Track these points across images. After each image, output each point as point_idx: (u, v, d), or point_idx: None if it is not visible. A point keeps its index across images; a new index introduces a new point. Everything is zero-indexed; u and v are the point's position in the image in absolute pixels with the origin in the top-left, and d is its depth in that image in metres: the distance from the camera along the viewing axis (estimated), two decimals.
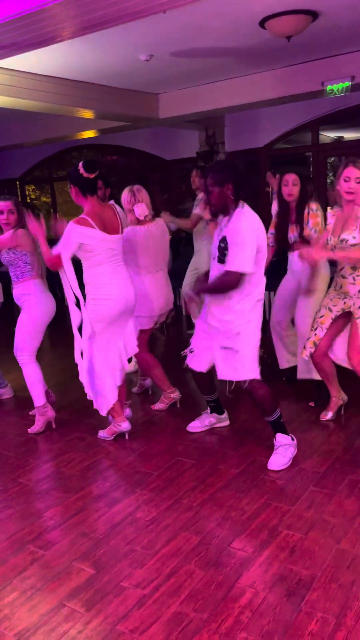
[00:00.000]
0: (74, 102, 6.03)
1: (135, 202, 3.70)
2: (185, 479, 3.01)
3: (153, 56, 5.14)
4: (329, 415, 3.68)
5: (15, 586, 2.26)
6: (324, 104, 6.78)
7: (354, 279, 3.30)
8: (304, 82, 5.79)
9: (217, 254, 3.02)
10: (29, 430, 3.79)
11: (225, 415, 3.70)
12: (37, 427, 3.78)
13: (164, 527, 2.58)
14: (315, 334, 3.47)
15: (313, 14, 4.24)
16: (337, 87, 5.50)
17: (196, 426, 3.63)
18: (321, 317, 3.46)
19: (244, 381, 3.06)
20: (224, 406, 3.73)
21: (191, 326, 6.08)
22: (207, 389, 3.54)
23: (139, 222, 3.72)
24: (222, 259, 2.98)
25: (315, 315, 3.54)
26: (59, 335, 4.75)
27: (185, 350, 3.39)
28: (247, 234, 2.89)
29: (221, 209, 2.99)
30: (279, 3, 4.01)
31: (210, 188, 2.95)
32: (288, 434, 3.17)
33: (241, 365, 3.03)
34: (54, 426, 3.83)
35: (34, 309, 3.67)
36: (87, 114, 6.51)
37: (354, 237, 3.20)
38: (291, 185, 3.80)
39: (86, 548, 2.47)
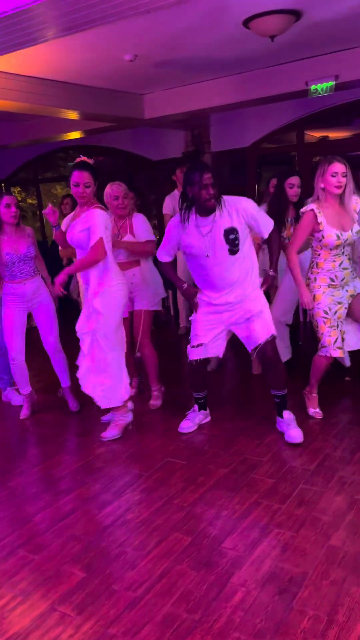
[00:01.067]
0: (59, 103, 6.00)
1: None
2: (175, 480, 3.01)
3: (137, 56, 5.13)
4: (319, 412, 3.70)
5: (5, 591, 2.23)
6: (309, 103, 6.81)
7: (352, 267, 3.53)
8: (289, 82, 5.81)
9: (228, 247, 3.20)
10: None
11: (208, 411, 3.78)
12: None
13: (155, 528, 2.57)
14: (341, 330, 3.49)
15: (296, 14, 4.26)
16: (321, 86, 5.52)
17: (188, 426, 3.64)
18: (336, 312, 3.47)
19: (272, 337, 3.33)
20: (218, 404, 3.73)
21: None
22: (202, 385, 3.66)
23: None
24: (234, 249, 3.21)
25: (325, 317, 3.46)
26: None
27: (190, 353, 3.52)
28: (253, 203, 3.26)
29: (213, 205, 3.16)
30: (262, 3, 4.02)
31: (213, 184, 3.12)
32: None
33: (268, 322, 3.34)
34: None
35: (50, 297, 4.02)
36: (72, 115, 6.48)
37: (357, 233, 3.41)
38: (297, 187, 4.04)
39: (77, 551, 2.45)
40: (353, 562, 2.25)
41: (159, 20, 4.20)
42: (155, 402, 4.08)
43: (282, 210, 4.04)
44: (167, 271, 3.58)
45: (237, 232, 3.18)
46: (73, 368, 3.76)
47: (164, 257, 3.50)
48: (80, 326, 3.48)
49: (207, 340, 3.46)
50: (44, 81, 5.74)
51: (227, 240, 3.18)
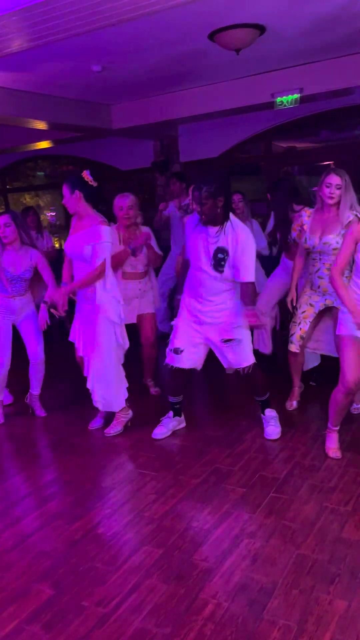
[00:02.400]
0: (26, 113, 5.96)
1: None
2: (146, 492, 2.99)
3: (105, 67, 5.15)
4: (294, 404, 3.99)
5: None
6: (276, 114, 6.92)
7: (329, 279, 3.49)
8: (255, 94, 5.89)
9: (213, 262, 3.27)
10: None
11: (182, 417, 3.82)
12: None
13: (125, 542, 2.55)
14: (301, 328, 3.76)
15: (260, 28, 4.33)
16: (286, 99, 5.62)
17: (161, 432, 3.67)
18: (304, 312, 3.74)
19: (247, 367, 3.41)
20: (188, 414, 3.73)
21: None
22: (179, 390, 3.70)
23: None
24: (219, 269, 3.26)
25: (295, 312, 3.79)
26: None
27: (168, 356, 3.57)
28: (252, 245, 3.25)
29: (212, 220, 3.22)
30: (226, 17, 4.08)
31: (204, 200, 3.16)
32: (273, 408, 3.60)
33: (245, 353, 3.40)
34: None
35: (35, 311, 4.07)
36: (40, 125, 6.44)
37: (337, 242, 3.44)
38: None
39: (45, 568, 2.41)
40: (322, 570, 2.27)
41: (127, 31, 4.22)
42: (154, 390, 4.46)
43: (287, 215, 4.06)
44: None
45: (226, 254, 3.23)
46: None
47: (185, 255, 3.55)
48: (76, 336, 3.67)
49: (183, 346, 3.48)
50: (11, 91, 5.70)
51: (215, 257, 3.26)
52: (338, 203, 3.46)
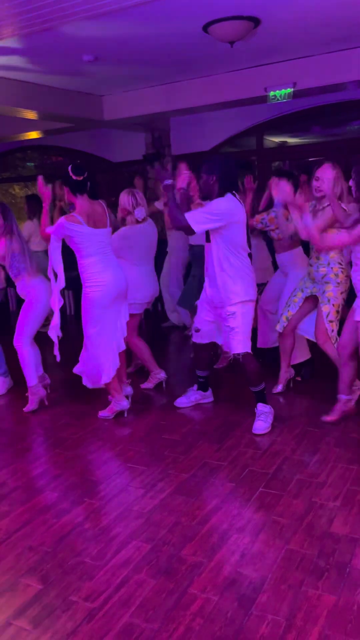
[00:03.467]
0: (16, 102, 5.89)
1: (137, 205, 4.11)
2: (135, 486, 2.97)
3: (97, 57, 5.09)
4: (279, 388, 4.15)
5: None
6: (268, 109, 6.90)
7: (317, 267, 3.72)
8: (248, 88, 5.87)
9: (205, 233, 3.51)
10: (25, 409, 4.09)
11: (209, 392, 4.07)
12: (31, 405, 4.10)
13: (114, 537, 2.53)
14: (289, 311, 3.95)
15: (255, 21, 4.31)
16: (279, 93, 5.60)
17: (182, 402, 3.98)
18: (294, 296, 3.94)
19: (240, 355, 3.51)
20: (176, 410, 3.71)
21: (165, 319, 6.58)
22: (205, 364, 3.96)
23: (137, 222, 4.15)
24: (207, 238, 3.49)
25: (290, 294, 3.99)
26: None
27: (188, 331, 3.92)
28: (214, 204, 3.36)
29: (207, 195, 3.46)
30: (221, 9, 4.05)
31: (202, 174, 3.42)
32: (267, 404, 3.63)
33: (237, 341, 3.49)
34: (46, 403, 4.19)
35: (36, 300, 4.01)
36: (30, 114, 6.37)
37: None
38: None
39: (33, 562, 2.39)
40: (310, 565, 2.27)
41: (119, 22, 4.17)
42: (146, 384, 4.45)
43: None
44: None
45: None
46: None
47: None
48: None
49: (201, 326, 3.77)
50: (1, 80, 5.62)
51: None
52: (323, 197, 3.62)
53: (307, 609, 2.03)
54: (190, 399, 4.00)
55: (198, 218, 3.31)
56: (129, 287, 3.84)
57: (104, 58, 5.14)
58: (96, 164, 8.82)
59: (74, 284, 4.84)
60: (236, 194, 3.42)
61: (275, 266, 4.66)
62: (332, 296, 3.68)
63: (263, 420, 3.57)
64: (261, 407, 3.62)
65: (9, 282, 4.84)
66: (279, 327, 4.02)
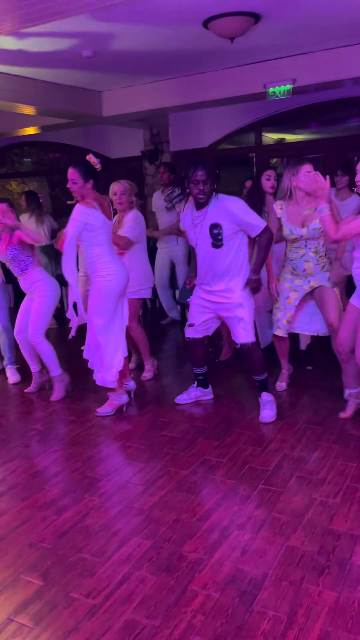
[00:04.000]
0: (14, 98, 5.85)
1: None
2: (135, 483, 2.97)
3: (96, 53, 5.06)
4: (283, 386, 4.19)
5: None
6: (267, 105, 6.88)
7: (317, 260, 3.81)
8: (247, 84, 5.85)
9: (211, 240, 3.47)
10: (52, 398, 4.21)
11: (209, 389, 4.09)
12: (59, 393, 4.23)
13: (114, 533, 2.53)
14: (287, 313, 3.94)
15: (255, 16, 4.29)
16: (279, 89, 5.59)
17: (182, 399, 4.00)
18: (288, 297, 3.91)
19: (247, 344, 3.60)
20: (175, 407, 3.71)
21: (164, 316, 6.66)
22: (201, 361, 3.96)
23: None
24: (218, 244, 3.47)
25: (279, 298, 3.96)
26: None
27: (185, 331, 3.90)
28: (243, 202, 3.47)
29: (208, 201, 3.45)
30: (221, 4, 4.03)
31: (207, 179, 3.39)
32: (270, 392, 3.75)
33: (246, 331, 3.59)
34: (69, 389, 4.34)
35: (46, 294, 4.14)
36: (28, 110, 6.34)
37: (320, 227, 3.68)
38: (273, 179, 4.47)
39: (34, 559, 2.39)
40: (311, 561, 2.28)
41: (118, 16, 4.15)
42: (146, 375, 4.56)
43: (259, 202, 4.25)
44: None
45: (221, 228, 3.43)
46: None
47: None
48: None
49: (197, 322, 3.80)
50: None
51: (211, 234, 3.46)
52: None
53: (308, 606, 2.04)
54: (190, 395, 4.03)
55: (256, 218, 3.48)
56: (142, 272, 4.18)
57: (103, 54, 5.11)
58: None
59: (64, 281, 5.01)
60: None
61: None
62: (333, 275, 3.89)
63: (269, 408, 3.66)
64: (265, 396, 3.70)
65: (9, 279, 4.85)
66: (282, 333, 3.98)
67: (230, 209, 3.42)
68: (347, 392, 3.67)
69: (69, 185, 3.60)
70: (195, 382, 4.06)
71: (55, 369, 4.22)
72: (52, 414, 4.01)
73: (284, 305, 3.93)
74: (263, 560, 2.30)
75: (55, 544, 2.48)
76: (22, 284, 4.20)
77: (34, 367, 4.41)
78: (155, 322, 6.69)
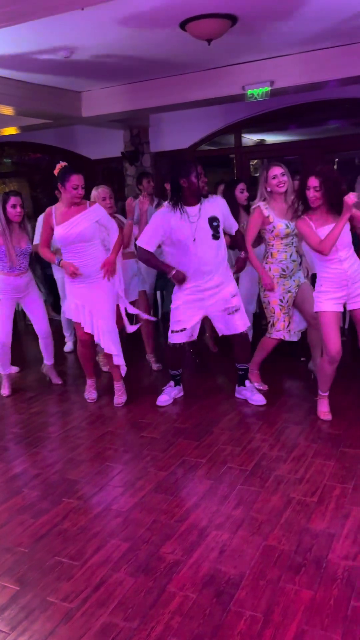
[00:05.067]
0: None
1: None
2: (114, 484, 2.97)
3: (74, 53, 5.04)
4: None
5: None
6: (247, 107, 6.92)
7: (298, 258, 3.97)
8: (226, 86, 5.87)
9: (212, 231, 3.65)
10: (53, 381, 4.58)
11: (181, 387, 4.21)
12: (56, 380, 4.63)
13: (93, 536, 2.52)
14: (288, 314, 3.98)
15: (232, 19, 4.30)
16: (257, 91, 5.61)
17: (165, 400, 4.05)
18: (287, 301, 3.95)
19: (244, 331, 3.87)
20: (155, 408, 3.71)
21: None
22: (180, 363, 4.09)
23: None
24: (217, 235, 3.67)
25: (281, 304, 3.94)
26: None
27: (170, 337, 3.92)
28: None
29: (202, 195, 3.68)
30: (198, 6, 4.04)
31: (204, 176, 3.68)
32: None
33: (244, 318, 3.86)
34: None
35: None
36: (7, 110, 6.28)
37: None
38: (245, 191, 4.61)
39: (10, 564, 2.37)
40: (288, 560, 2.29)
41: (95, 17, 4.13)
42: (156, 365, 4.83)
43: (234, 214, 4.16)
44: (151, 259, 3.77)
45: (219, 220, 3.68)
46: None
47: (148, 246, 3.72)
48: (80, 316, 3.93)
49: (189, 325, 3.86)
50: None
51: (212, 226, 3.65)
52: (286, 191, 3.79)
53: (284, 604, 2.05)
54: (170, 395, 4.09)
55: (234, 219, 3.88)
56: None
57: (81, 54, 5.08)
58: (74, 160, 8.75)
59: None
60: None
61: None
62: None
63: (257, 393, 3.96)
64: (249, 383, 4.01)
65: None
66: (295, 337, 4.09)
67: (221, 204, 3.75)
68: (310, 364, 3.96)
69: (79, 191, 3.77)
70: (173, 382, 4.14)
71: (49, 359, 4.52)
72: (31, 416, 3.98)
73: (287, 309, 3.94)
74: (241, 560, 2.31)
75: (32, 548, 2.47)
76: (22, 281, 4.28)
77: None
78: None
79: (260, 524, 2.55)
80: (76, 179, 3.74)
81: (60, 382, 4.60)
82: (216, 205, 3.72)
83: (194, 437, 3.48)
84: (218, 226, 3.68)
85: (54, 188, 4.67)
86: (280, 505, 2.69)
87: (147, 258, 3.75)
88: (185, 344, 3.97)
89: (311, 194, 3.24)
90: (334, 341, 3.35)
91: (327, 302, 3.36)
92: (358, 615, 1.99)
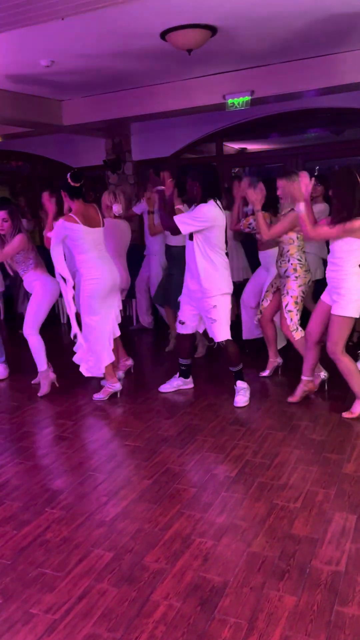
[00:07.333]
0: None
1: (115, 201, 4.80)
2: (97, 494, 2.95)
3: (54, 62, 5.05)
4: (266, 372, 4.60)
5: None
6: (228, 116, 6.98)
7: (280, 263, 4.20)
8: (207, 95, 5.93)
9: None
10: (39, 394, 4.41)
11: (190, 379, 4.42)
12: (44, 389, 4.44)
13: (76, 546, 2.50)
14: (262, 304, 4.47)
15: (212, 29, 4.36)
16: (237, 100, 5.67)
17: (166, 388, 4.35)
18: (267, 290, 4.43)
19: (222, 342, 3.98)
20: (140, 415, 3.69)
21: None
22: (187, 353, 4.32)
23: (114, 217, 4.82)
24: (191, 235, 3.89)
25: (296, 302, 4.23)
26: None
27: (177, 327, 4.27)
28: (199, 210, 3.79)
29: (191, 199, 3.90)
30: (178, 17, 4.08)
31: (187, 180, 3.87)
32: (245, 380, 4.10)
33: (219, 331, 3.97)
34: (57, 385, 4.52)
35: (42, 291, 4.34)
36: None
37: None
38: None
39: None
40: (272, 566, 2.30)
41: (75, 27, 4.15)
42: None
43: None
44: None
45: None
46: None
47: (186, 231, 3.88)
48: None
49: (185, 318, 4.17)
50: None
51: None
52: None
53: (268, 611, 2.05)
54: (172, 384, 4.36)
55: (185, 221, 3.78)
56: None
57: (61, 63, 5.10)
58: (56, 169, 8.74)
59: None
60: (217, 201, 3.83)
61: (252, 266, 5.38)
62: (290, 288, 4.13)
63: (243, 394, 4.05)
64: (240, 384, 4.09)
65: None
66: (255, 319, 4.59)
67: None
68: (301, 377, 4.00)
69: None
70: (178, 372, 4.39)
71: (42, 365, 4.44)
72: (13, 426, 3.94)
73: (265, 295, 4.44)
74: (225, 567, 2.31)
75: (14, 559, 2.44)
76: (25, 283, 4.44)
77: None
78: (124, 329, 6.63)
79: (244, 530, 2.55)
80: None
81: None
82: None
83: (178, 445, 3.48)
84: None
85: (36, 196, 4.71)
86: (263, 511, 2.70)
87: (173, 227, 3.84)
88: (191, 336, 4.27)
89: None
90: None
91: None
92: (341, 620, 2.00)
